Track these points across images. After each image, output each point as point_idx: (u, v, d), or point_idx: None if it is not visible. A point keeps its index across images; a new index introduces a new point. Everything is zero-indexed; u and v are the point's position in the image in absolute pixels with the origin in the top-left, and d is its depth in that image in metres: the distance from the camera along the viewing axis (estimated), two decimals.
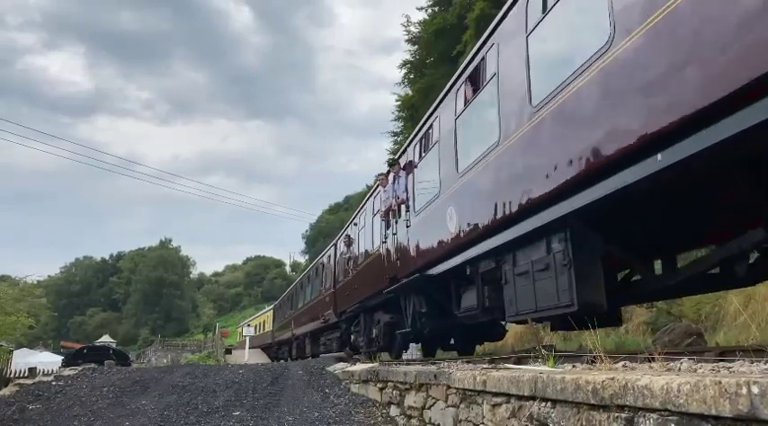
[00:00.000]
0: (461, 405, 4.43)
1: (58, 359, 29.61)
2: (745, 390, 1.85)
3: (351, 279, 13.35)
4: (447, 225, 7.04)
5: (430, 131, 8.29)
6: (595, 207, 4.22)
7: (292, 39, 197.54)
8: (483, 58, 6.30)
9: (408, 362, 8.42)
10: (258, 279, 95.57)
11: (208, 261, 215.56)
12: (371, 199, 11.89)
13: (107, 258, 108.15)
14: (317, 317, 17.78)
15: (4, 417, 6.99)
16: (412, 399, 5.70)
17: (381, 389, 6.81)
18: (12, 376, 15.57)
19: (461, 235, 6.62)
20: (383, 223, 10.19)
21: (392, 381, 6.41)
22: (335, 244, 16.38)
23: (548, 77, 4.78)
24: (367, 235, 12.01)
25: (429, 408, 5.22)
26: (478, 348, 11.87)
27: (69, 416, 6.92)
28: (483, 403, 4.00)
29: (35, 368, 15.14)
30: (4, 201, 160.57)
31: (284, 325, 27.20)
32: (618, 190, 3.89)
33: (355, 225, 13.66)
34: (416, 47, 26.79)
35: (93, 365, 11.63)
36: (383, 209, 10.07)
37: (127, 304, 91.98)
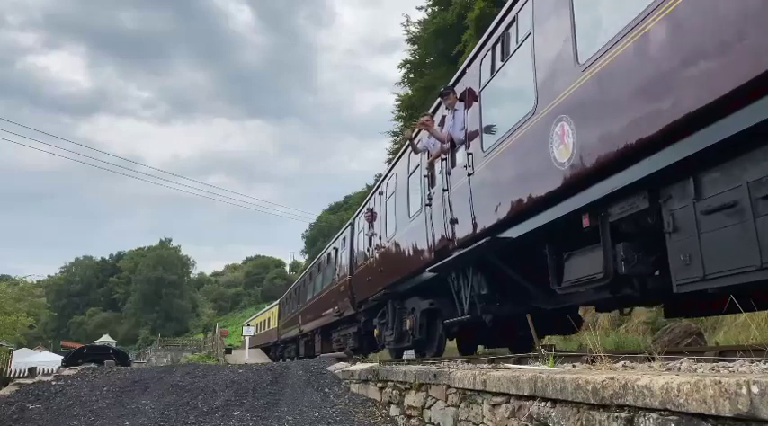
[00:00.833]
0: (461, 405, 4.43)
1: (58, 358, 29.59)
2: (744, 390, 1.85)
3: (374, 261, 10.97)
4: (551, 153, 4.67)
5: (514, 27, 5.65)
6: None
7: (293, 39, 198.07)
8: None
9: (408, 362, 8.41)
10: (258, 279, 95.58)
11: (208, 260, 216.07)
12: (404, 157, 9.45)
13: (107, 258, 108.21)
14: (330, 310, 15.89)
15: (4, 417, 6.99)
16: (412, 399, 5.70)
17: (381, 389, 6.81)
18: (11, 375, 15.55)
19: (584, 162, 4.26)
20: (425, 181, 7.95)
21: (392, 381, 6.41)
22: (352, 224, 14.07)
23: None
24: (398, 203, 9.55)
25: (429, 408, 5.22)
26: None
27: (69, 416, 6.92)
28: (483, 402, 4.00)
29: (35, 367, 15.08)
30: (4, 201, 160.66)
31: (291, 322, 24.96)
32: None
33: (380, 194, 11.05)
34: (416, 46, 26.80)
35: (92, 365, 11.63)
36: (427, 162, 7.83)
37: (127, 303, 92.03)
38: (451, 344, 10.95)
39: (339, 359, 10.99)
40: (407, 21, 26.84)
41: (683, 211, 3.54)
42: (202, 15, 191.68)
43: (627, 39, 3.76)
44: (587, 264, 4.63)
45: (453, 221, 6.83)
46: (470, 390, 4.23)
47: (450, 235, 6.90)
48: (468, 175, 6.33)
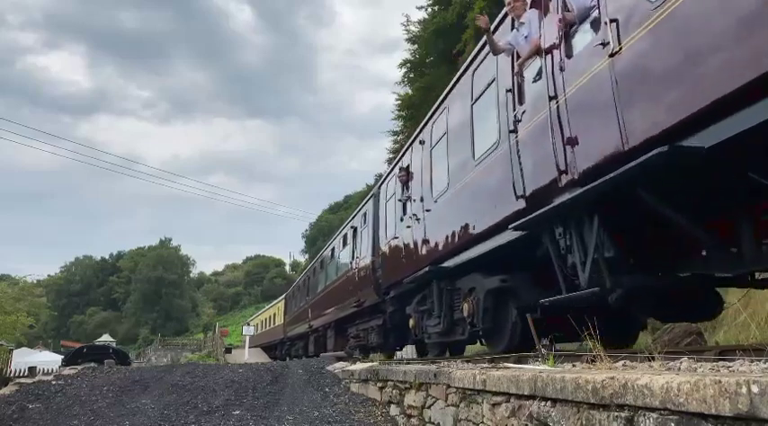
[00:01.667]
0: (461, 405, 4.43)
1: (58, 358, 29.61)
2: (744, 389, 1.85)
3: (412, 232, 8.84)
4: None
5: None
6: None
7: (293, 39, 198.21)
8: None
9: (408, 361, 8.42)
10: (258, 279, 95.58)
11: (208, 260, 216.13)
12: (462, 83, 7.23)
13: (107, 257, 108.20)
14: (346, 301, 13.74)
15: (4, 416, 6.99)
16: (412, 398, 5.70)
17: (381, 388, 6.81)
18: (11, 375, 15.56)
19: None
20: (509, 97, 5.68)
21: (392, 380, 6.41)
22: (376, 194, 11.89)
23: None
24: (454, 146, 7.29)
25: (429, 407, 5.22)
26: (475, 347, 10.62)
27: (69, 415, 6.92)
28: (483, 402, 4.00)
29: (35, 367, 15.11)
30: (4, 201, 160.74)
31: (299, 317, 22.63)
32: None
33: (421, 143, 8.73)
34: (416, 46, 26.78)
35: (92, 364, 11.64)
36: (515, 66, 5.51)
37: (126, 303, 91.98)
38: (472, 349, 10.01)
39: (339, 359, 11.00)
40: (407, 20, 26.83)
41: None
42: (203, 15, 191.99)
43: None
44: None
45: (570, 141, 4.54)
46: (470, 390, 4.23)
47: (563, 165, 4.61)
48: (611, 56, 3.96)
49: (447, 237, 7.40)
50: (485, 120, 6.38)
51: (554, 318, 5.41)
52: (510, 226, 5.36)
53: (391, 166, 10.78)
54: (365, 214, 12.57)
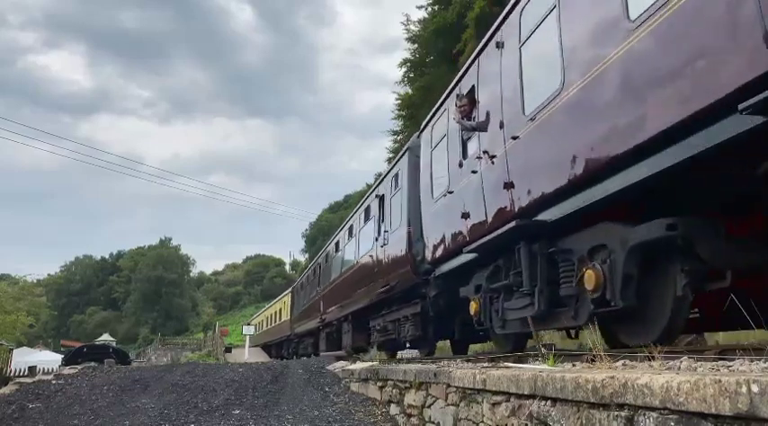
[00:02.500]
0: (461, 404, 4.43)
1: (58, 357, 29.65)
2: (744, 389, 1.85)
3: (476, 181, 6.53)
4: None
5: None
6: None
7: (294, 39, 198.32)
8: None
9: (408, 361, 8.40)
10: (258, 278, 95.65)
11: (208, 259, 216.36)
12: None
13: (107, 257, 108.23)
14: (369, 287, 11.51)
15: (4, 416, 6.99)
16: (412, 398, 5.70)
17: (381, 388, 6.81)
18: (11, 374, 15.57)
19: None
20: None
21: (392, 380, 6.41)
22: (412, 147, 9.54)
23: None
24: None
25: (429, 407, 5.22)
26: (474, 346, 10.43)
27: (69, 415, 6.92)
28: (483, 401, 4.00)
29: (35, 366, 15.11)
30: (4, 201, 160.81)
31: (309, 311, 20.20)
32: None
33: (499, 46, 6.11)
34: (416, 45, 26.78)
35: (92, 364, 11.65)
36: None
37: (126, 303, 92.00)
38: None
39: (339, 358, 10.99)
40: (407, 20, 26.83)
41: None
42: (203, 15, 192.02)
43: None
44: None
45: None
46: (470, 389, 4.23)
47: None
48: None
49: (549, 174, 4.99)
50: None
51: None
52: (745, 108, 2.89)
53: (436, 106, 8.31)
54: (396, 176, 10.18)
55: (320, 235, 66.79)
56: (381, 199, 11.28)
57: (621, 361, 3.45)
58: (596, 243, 4.69)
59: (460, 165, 7.09)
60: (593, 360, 3.60)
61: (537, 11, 5.31)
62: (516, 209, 5.60)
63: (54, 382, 8.69)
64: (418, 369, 5.60)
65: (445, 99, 7.94)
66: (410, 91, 26.89)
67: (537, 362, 4.38)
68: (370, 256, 11.56)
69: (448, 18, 22.45)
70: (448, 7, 22.94)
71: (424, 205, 8.51)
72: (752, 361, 2.67)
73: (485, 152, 6.29)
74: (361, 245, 12.86)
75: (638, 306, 4.36)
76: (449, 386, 4.72)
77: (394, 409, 6.29)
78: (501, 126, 5.95)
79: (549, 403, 3.09)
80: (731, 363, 2.69)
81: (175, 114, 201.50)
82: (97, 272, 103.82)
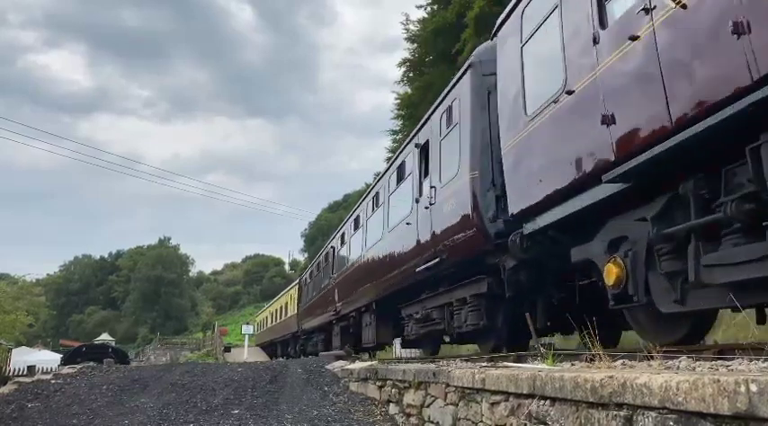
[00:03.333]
0: (460, 403, 4.44)
1: (57, 357, 29.62)
2: (743, 388, 1.85)
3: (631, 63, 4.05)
4: None
5: None
6: None
7: (294, 39, 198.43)
8: None
9: (407, 360, 8.40)
10: (257, 278, 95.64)
11: (207, 259, 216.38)
12: None
13: (106, 256, 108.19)
14: (404, 264, 9.37)
15: (3, 415, 6.99)
16: (411, 397, 5.70)
17: (380, 387, 6.81)
18: (10, 374, 15.54)
19: None
20: None
21: (391, 379, 6.41)
22: (475, 65, 7.21)
23: None
24: None
25: (428, 406, 5.22)
26: (472, 346, 9.99)
27: (68, 414, 6.91)
28: (482, 401, 4.00)
29: (34, 366, 15.08)
30: (4, 201, 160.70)
31: (319, 303, 17.86)
32: None
33: None
34: (416, 45, 26.79)
35: (91, 363, 11.65)
36: None
37: (126, 302, 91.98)
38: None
39: (338, 358, 10.99)
40: (407, 19, 26.85)
41: None
42: (203, 14, 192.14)
43: None
44: None
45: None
46: (469, 388, 4.23)
47: None
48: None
49: None
50: None
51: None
52: None
53: None
54: (448, 111, 7.87)
55: (320, 234, 66.82)
56: (423, 148, 8.96)
57: (620, 361, 3.46)
58: None
59: (596, 41, 4.45)
60: (591, 360, 3.60)
61: None
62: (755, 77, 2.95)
63: (53, 381, 8.69)
64: (417, 369, 5.60)
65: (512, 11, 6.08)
66: (409, 90, 26.91)
67: (536, 362, 4.38)
68: (407, 224, 9.21)
69: (447, 18, 22.48)
70: (447, 7, 22.95)
71: (507, 132, 6.15)
72: (750, 361, 2.68)
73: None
74: (391, 213, 10.49)
75: None
76: (448, 385, 4.72)
77: (393, 408, 6.29)
78: None
79: (547, 402, 3.09)
80: (730, 363, 2.69)
81: (175, 114, 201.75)
82: (96, 272, 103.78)
